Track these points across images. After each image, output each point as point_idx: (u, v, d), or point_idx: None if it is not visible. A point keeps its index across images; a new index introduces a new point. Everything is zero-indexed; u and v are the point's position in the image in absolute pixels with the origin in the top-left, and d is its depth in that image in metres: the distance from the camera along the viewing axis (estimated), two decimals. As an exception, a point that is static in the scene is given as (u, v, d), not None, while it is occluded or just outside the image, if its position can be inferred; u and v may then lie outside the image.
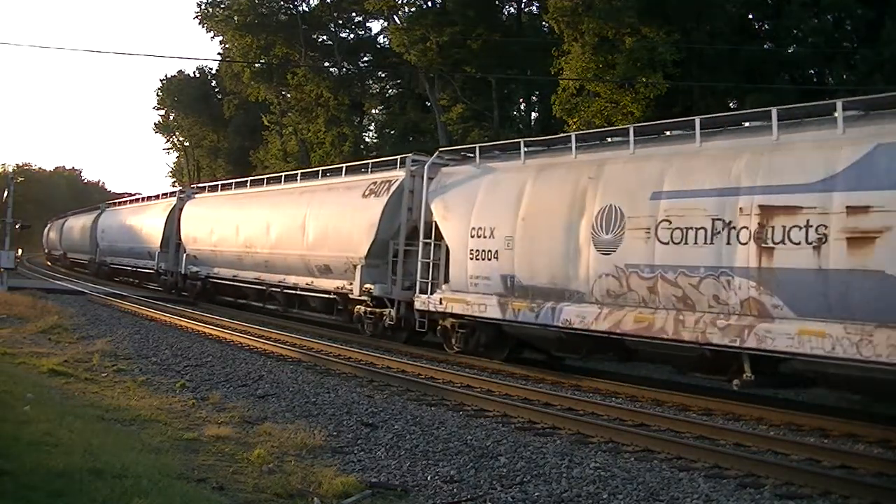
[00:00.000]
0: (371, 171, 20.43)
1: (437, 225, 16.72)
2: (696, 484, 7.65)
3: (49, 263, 62.89)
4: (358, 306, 19.49)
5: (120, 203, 44.69)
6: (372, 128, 52.12)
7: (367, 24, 49.97)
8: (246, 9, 48.34)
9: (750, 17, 30.62)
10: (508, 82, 38.05)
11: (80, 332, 18.47)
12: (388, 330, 18.61)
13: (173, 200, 33.25)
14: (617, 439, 9.44)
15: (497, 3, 41.08)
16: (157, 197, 38.45)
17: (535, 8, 40.50)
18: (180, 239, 30.90)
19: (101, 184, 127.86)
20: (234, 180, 31.28)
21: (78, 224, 50.93)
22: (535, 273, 14.24)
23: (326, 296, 21.15)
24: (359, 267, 18.99)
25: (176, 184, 75.30)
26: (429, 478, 7.59)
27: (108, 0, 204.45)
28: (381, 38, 49.20)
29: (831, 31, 27.07)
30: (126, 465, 6.76)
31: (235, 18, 49.15)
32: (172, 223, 31.91)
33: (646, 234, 12.32)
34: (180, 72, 70.72)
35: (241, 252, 25.53)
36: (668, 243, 12.02)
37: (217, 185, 31.41)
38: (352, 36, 50.19)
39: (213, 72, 66.17)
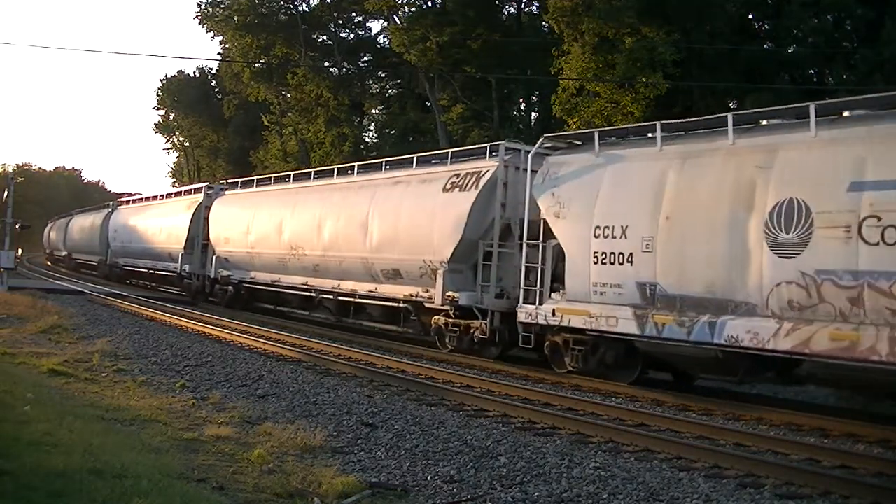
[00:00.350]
0: (451, 162, 17.82)
1: (546, 223, 14.40)
2: (696, 484, 7.65)
3: (49, 264, 62.71)
4: (436, 317, 17.07)
5: (134, 201, 41.58)
6: (372, 128, 52.26)
7: (367, 24, 50.18)
8: (246, 9, 48.42)
9: (750, 17, 30.68)
10: (508, 82, 38.10)
11: (80, 332, 18.46)
12: (475, 344, 16.31)
13: (199, 197, 30.41)
14: (617, 439, 9.44)
15: (497, 3, 41.15)
16: (178, 194, 35.34)
17: (535, 8, 40.64)
18: (208, 239, 28.32)
19: (101, 184, 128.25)
20: (272, 175, 28.63)
21: (86, 223, 48.16)
22: (686, 280, 12.03)
23: (393, 304, 18.60)
24: (440, 272, 16.56)
25: (176, 184, 75.44)
26: (429, 478, 7.59)
27: (108, 0, 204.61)
28: (381, 38, 49.39)
29: (831, 31, 27.13)
30: (126, 465, 6.76)
31: (235, 18, 49.25)
32: (198, 222, 29.39)
33: (845, 234, 10.26)
34: (180, 72, 71.01)
35: (284, 254, 22.81)
36: (877, 244, 9.95)
37: (252, 181, 28.51)
38: (352, 36, 50.32)
39: (213, 72, 66.45)
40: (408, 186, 18.56)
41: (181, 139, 77.34)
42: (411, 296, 17.71)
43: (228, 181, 32.12)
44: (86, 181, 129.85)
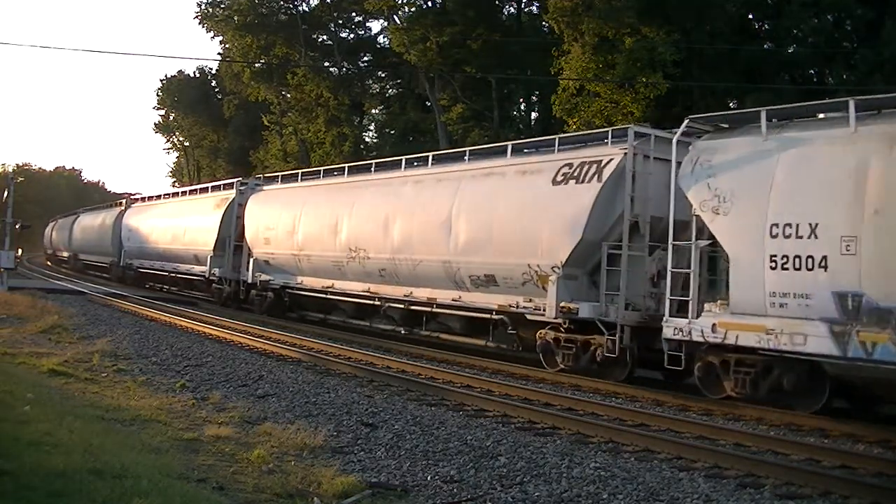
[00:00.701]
0: (559, 150, 15.33)
1: (700, 220, 12.16)
2: (696, 484, 7.65)
3: (49, 264, 62.62)
4: (542, 331, 14.68)
5: (150, 198, 39.17)
6: (372, 128, 52.34)
7: (367, 24, 50.27)
8: (246, 9, 48.49)
9: (750, 17, 30.72)
10: (508, 82, 38.14)
11: (80, 332, 18.46)
12: (595, 364, 13.89)
13: (230, 193, 27.59)
14: (617, 439, 9.44)
15: (497, 3, 41.17)
16: (204, 190, 31.99)
17: (535, 8, 40.68)
18: (242, 240, 25.69)
19: (101, 184, 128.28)
20: (321, 168, 25.45)
21: (95, 222, 45.52)
22: None
23: (482, 316, 16.24)
24: (552, 279, 14.22)
25: (176, 184, 75.47)
26: (429, 478, 7.59)
27: (108, 0, 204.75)
28: (381, 38, 49.46)
29: (831, 31, 27.17)
30: (126, 465, 6.76)
31: (235, 18, 49.32)
32: (230, 221, 26.68)
33: None
34: (180, 72, 71.05)
35: (341, 257, 20.14)
36: None
37: (296, 174, 25.35)
38: (352, 36, 50.41)
39: (213, 72, 66.49)
40: (503, 179, 16.08)
41: (181, 139, 77.44)
42: (509, 306, 15.37)
43: (265, 175, 28.83)
44: (86, 181, 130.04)
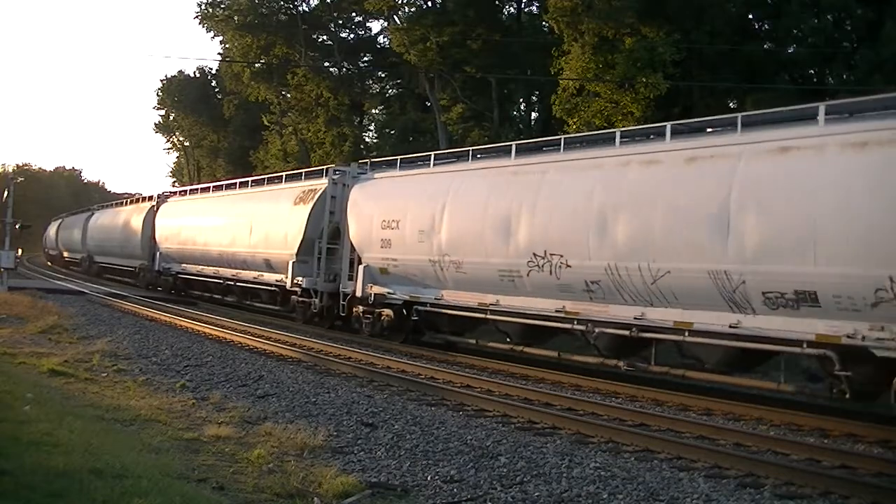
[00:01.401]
0: None
1: None
2: (696, 484, 7.66)
3: (49, 264, 62.54)
4: None
5: (194, 191, 34.16)
6: (372, 128, 52.29)
7: (367, 24, 50.15)
8: (246, 9, 48.49)
9: (750, 17, 30.68)
10: (508, 82, 38.12)
11: (80, 332, 18.48)
12: None
13: (320, 183, 22.35)
14: (617, 439, 9.45)
15: (497, 3, 41.14)
16: (276, 180, 26.34)
17: (535, 8, 40.61)
18: (339, 242, 21.17)
19: (101, 184, 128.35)
20: (470, 148, 19.38)
21: (117, 221, 41.17)
22: None
23: (777, 349, 11.79)
24: None
25: (176, 184, 75.39)
26: (429, 478, 7.60)
27: (109, 0, 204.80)
28: (381, 38, 49.38)
29: (831, 31, 27.15)
30: (126, 465, 6.77)
31: (235, 18, 49.31)
32: (319, 218, 21.62)
33: None
34: (180, 72, 70.94)
35: (517, 265, 15.19)
36: None
37: (428, 157, 19.29)
38: (352, 36, 50.34)
39: (213, 72, 66.42)
40: (819, 154, 11.19)
41: (181, 139, 77.40)
42: (844, 336, 10.62)
43: (372, 160, 22.77)
44: (86, 181, 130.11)
